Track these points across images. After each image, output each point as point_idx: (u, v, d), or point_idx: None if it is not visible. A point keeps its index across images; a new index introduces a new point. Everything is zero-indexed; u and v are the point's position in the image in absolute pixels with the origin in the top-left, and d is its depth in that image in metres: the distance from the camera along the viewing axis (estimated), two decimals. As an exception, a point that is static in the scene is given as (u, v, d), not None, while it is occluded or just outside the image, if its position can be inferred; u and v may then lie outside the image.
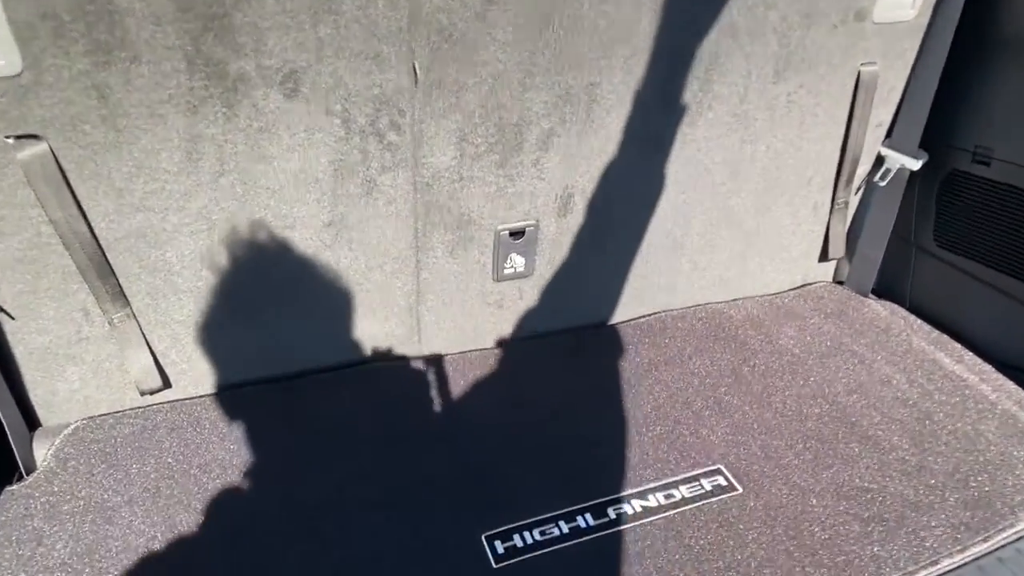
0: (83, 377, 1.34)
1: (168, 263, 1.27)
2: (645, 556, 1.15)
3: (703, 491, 1.28)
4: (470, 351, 1.63)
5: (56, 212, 1.12)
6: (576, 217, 1.53)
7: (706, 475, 1.31)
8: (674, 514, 1.23)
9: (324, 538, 1.16)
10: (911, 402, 1.49)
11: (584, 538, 1.18)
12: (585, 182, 1.48)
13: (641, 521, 1.21)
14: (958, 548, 1.16)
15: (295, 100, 1.16)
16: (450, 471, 1.30)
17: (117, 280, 1.25)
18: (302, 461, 1.31)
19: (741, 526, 1.21)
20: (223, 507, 1.21)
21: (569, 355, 1.63)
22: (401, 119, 1.24)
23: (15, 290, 1.20)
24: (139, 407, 1.42)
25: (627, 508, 1.24)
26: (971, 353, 1.62)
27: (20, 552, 1.12)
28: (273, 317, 1.41)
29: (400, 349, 1.58)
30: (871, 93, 1.61)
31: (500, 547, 1.16)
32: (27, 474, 1.28)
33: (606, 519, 1.22)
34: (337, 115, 1.20)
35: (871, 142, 1.71)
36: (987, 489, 1.27)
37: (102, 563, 1.10)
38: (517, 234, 1.50)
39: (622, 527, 1.20)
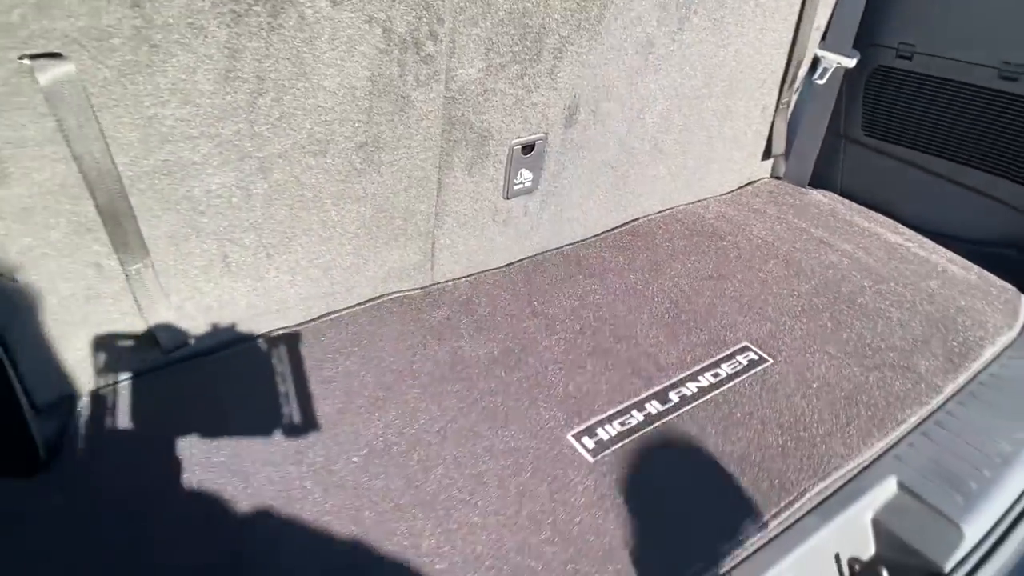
0: (95, 341, 1.18)
1: (193, 200, 1.13)
2: (718, 425, 1.26)
3: (742, 366, 1.41)
4: (480, 273, 1.62)
5: (81, 146, 0.96)
6: (578, 128, 1.55)
7: (738, 352, 1.44)
8: (725, 389, 1.35)
9: (423, 465, 1.14)
10: (872, 270, 1.71)
11: (658, 422, 1.26)
12: (590, 91, 1.50)
13: (701, 399, 1.32)
14: (951, 379, 1.39)
15: (341, 7, 1.06)
16: (511, 386, 1.32)
17: (138, 225, 1.10)
18: (355, 402, 1.26)
19: (784, 390, 1.35)
20: (291, 461, 1.14)
21: (576, 265, 1.68)
22: (439, 27, 1.18)
23: (20, 246, 1.02)
24: (158, 368, 1.27)
25: (685, 391, 1.34)
26: (903, 226, 1.89)
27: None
28: (297, 255, 1.32)
29: (414, 277, 1.54)
30: (817, -3, 1.76)
31: (589, 443, 1.22)
32: (37, 461, 1.12)
33: (671, 403, 1.31)
34: (380, 23, 1.12)
35: (811, 45, 1.88)
36: (952, 331, 1.51)
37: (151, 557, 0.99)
38: (528, 148, 1.50)
39: (688, 407, 1.30)
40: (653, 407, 1.30)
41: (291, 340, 1.37)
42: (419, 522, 1.05)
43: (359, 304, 1.48)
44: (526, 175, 1.54)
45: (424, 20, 1.16)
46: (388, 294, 1.51)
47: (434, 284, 1.58)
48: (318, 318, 1.43)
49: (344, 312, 1.45)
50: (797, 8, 1.76)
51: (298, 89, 1.11)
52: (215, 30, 0.98)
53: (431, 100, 1.27)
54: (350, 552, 1.00)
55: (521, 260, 1.68)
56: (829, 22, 1.88)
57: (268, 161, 1.16)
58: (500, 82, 1.34)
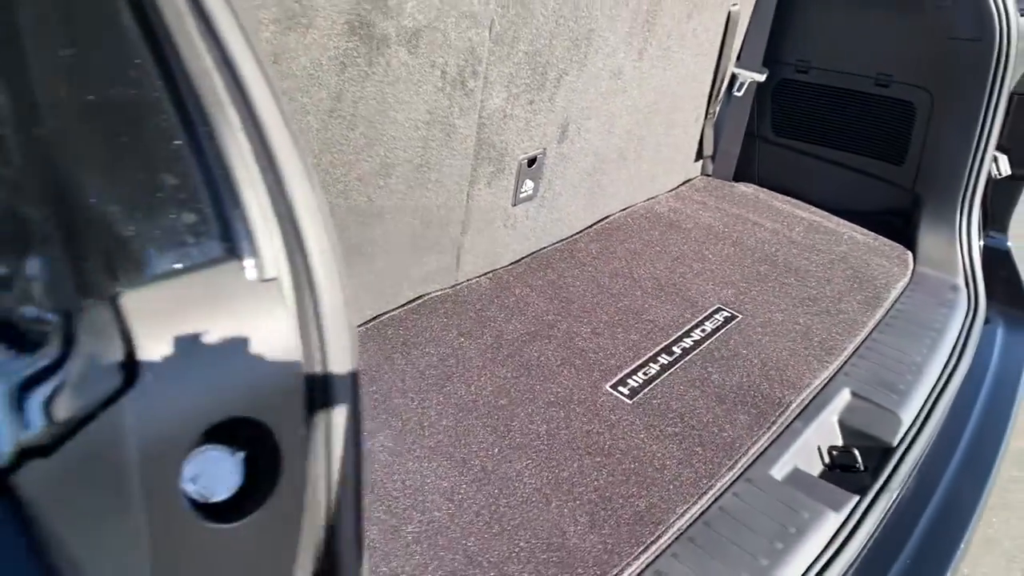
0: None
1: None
2: (715, 365, 1.61)
3: (721, 322, 1.77)
4: (495, 270, 1.90)
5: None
6: (567, 143, 1.87)
7: (715, 312, 1.81)
8: (714, 339, 1.70)
9: (505, 422, 1.41)
10: (797, 242, 2.14)
11: (671, 369, 1.60)
12: (577, 112, 1.83)
13: (698, 349, 1.67)
14: (867, 316, 1.82)
15: (415, 55, 1.33)
16: (549, 355, 1.61)
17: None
18: (427, 383, 1.50)
19: (755, 335, 1.73)
20: (407, 429, 1.38)
21: (570, 258, 2.00)
22: (479, 67, 1.47)
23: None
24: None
25: (684, 344, 1.69)
26: (813, 207, 2.35)
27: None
28: (360, 263, 1.55)
29: (444, 278, 1.79)
30: (735, 27, 2.18)
31: (624, 390, 1.53)
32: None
33: (677, 354, 1.65)
34: (439, 67, 1.39)
35: (730, 65, 2.31)
36: (865, 281, 1.96)
37: None
38: (532, 161, 1.80)
39: (689, 356, 1.64)
40: (664, 359, 1.63)
41: (359, 338, 1.60)
42: (516, 463, 1.32)
43: (405, 304, 1.72)
44: (529, 184, 1.84)
45: (469, 62, 1.44)
46: (427, 294, 1.76)
47: (459, 283, 1.84)
48: (374, 319, 1.66)
49: (394, 312, 1.69)
50: (720, 35, 2.18)
51: (378, 123, 1.36)
52: (327, 79, 1.22)
53: (469, 126, 1.55)
54: (467, 490, 1.26)
55: (525, 257, 1.98)
56: (742, 45, 2.31)
57: (350, 184, 1.40)
58: (516, 108, 1.64)
